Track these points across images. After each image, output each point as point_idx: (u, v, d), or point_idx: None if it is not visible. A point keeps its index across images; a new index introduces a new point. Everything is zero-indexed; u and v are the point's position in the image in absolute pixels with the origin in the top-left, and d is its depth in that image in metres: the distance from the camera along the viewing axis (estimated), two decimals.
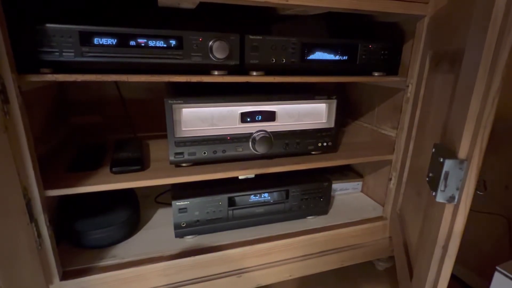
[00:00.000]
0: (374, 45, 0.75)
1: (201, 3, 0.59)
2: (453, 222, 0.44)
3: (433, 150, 0.47)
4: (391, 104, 0.86)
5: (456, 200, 0.44)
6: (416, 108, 0.69)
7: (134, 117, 0.95)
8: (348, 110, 1.07)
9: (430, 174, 0.47)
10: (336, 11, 0.63)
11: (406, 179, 0.76)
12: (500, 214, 0.78)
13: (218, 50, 0.61)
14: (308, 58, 0.70)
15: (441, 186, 0.42)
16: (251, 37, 0.64)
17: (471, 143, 0.41)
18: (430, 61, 0.64)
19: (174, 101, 0.63)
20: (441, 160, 0.42)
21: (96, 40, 0.56)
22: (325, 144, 0.77)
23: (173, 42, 0.60)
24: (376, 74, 0.77)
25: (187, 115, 0.65)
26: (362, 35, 0.94)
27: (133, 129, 0.95)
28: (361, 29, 0.94)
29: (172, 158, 0.66)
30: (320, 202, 0.83)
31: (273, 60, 0.67)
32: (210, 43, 0.61)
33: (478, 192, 0.43)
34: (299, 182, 0.80)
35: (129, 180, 0.62)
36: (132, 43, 0.58)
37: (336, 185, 0.99)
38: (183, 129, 0.65)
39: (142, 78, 0.57)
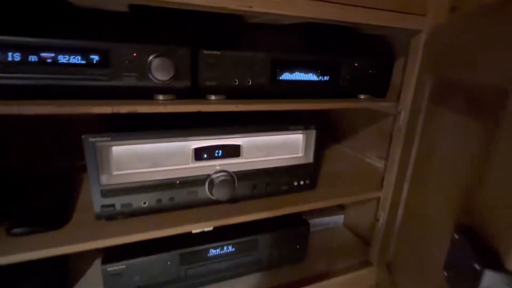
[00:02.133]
0: (360, 62, 0.62)
1: (134, 5, 0.44)
2: None
3: (456, 236, 0.33)
4: (378, 130, 0.74)
5: None
6: (412, 144, 0.56)
7: (73, 141, 0.76)
8: (327, 130, 0.95)
9: (451, 273, 0.32)
10: (315, 21, 0.50)
11: (400, 222, 0.64)
12: None
13: (159, 69, 0.46)
14: (281, 78, 0.56)
15: None
16: (205, 52, 0.49)
17: None
18: (432, 90, 0.51)
19: (99, 139, 0.46)
20: (478, 267, 0.28)
21: None
22: (301, 182, 0.63)
23: (95, 58, 0.44)
24: (362, 97, 0.65)
25: (120, 155, 0.49)
26: (345, 50, 0.82)
27: (69, 157, 0.77)
28: (344, 43, 0.81)
29: (97, 211, 0.49)
30: (296, 249, 0.69)
31: (235, 82, 0.52)
32: (149, 59, 0.46)
33: None
34: (270, 228, 0.65)
35: (36, 247, 0.45)
36: (33, 58, 0.41)
37: (315, 220, 0.85)
38: (114, 173, 0.49)
39: (42, 110, 0.40)
